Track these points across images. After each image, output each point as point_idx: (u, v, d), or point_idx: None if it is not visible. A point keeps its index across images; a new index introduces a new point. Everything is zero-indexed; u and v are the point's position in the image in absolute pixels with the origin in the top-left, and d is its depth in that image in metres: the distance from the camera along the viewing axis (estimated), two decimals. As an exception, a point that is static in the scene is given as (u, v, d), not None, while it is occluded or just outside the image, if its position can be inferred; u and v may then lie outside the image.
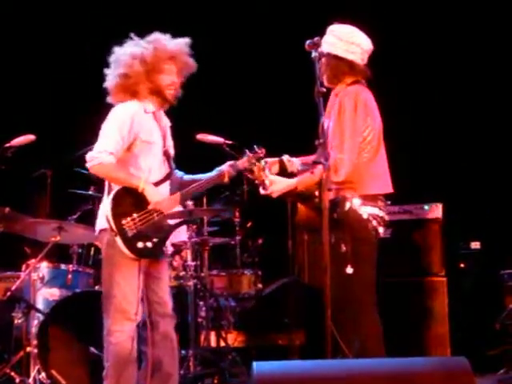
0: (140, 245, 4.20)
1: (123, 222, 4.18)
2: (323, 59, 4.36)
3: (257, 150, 4.45)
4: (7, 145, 5.39)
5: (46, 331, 5.20)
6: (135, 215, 4.23)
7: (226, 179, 4.47)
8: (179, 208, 4.55)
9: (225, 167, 4.48)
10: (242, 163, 4.46)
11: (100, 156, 4.25)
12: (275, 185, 4.35)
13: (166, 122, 4.57)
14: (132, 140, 4.33)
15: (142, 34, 4.46)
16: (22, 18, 7.56)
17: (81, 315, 5.19)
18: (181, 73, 4.48)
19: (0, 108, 7.26)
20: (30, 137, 5.41)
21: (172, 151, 4.57)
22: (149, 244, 4.22)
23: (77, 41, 7.45)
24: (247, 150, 4.48)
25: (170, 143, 4.58)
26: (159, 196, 4.32)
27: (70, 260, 5.88)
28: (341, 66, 4.44)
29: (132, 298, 4.23)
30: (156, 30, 4.46)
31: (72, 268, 5.68)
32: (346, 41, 4.41)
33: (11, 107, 7.33)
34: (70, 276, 5.62)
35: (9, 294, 5.25)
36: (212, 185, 4.51)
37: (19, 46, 7.54)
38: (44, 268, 5.59)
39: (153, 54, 4.38)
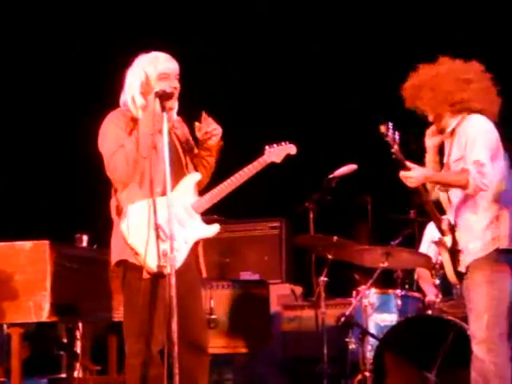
0: None
1: None
2: None
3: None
4: (331, 176, 5.58)
5: (382, 356, 5.27)
6: None
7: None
8: None
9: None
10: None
11: None
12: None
13: None
14: None
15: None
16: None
17: (414, 340, 5.19)
18: None
19: (321, 140, 7.53)
20: (352, 166, 5.56)
21: None
22: None
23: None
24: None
25: None
26: None
27: (394, 285, 5.92)
28: None
29: None
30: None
31: (400, 293, 5.71)
32: None
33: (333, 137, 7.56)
34: (399, 301, 5.66)
35: (343, 319, 5.39)
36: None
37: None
38: (373, 294, 5.68)
39: None
